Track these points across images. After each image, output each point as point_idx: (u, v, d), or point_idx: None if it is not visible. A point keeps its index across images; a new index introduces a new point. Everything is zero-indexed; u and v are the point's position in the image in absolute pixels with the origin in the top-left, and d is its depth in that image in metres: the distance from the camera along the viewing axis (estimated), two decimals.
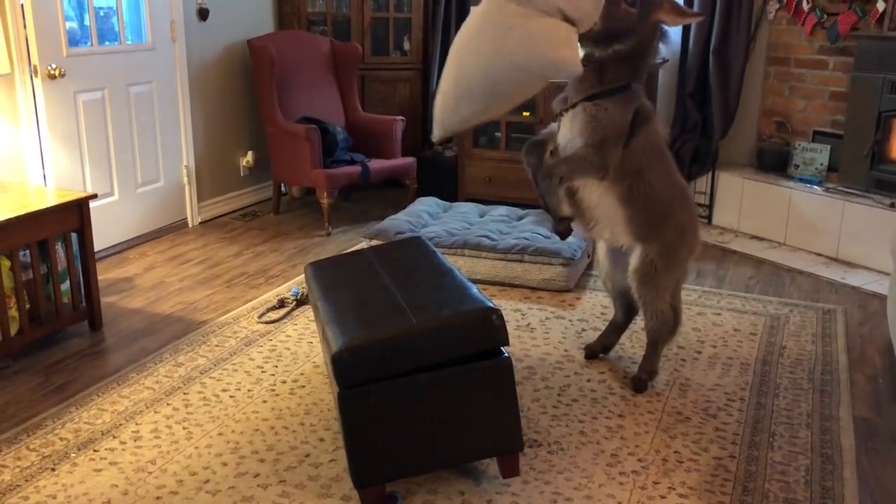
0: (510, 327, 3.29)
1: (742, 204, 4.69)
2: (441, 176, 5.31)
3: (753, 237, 4.59)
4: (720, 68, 4.77)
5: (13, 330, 2.98)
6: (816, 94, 4.64)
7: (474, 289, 2.35)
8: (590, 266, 4.08)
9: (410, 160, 5.08)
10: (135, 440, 2.50)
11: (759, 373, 2.96)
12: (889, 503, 2.24)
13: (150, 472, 2.32)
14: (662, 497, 2.23)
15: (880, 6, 4.15)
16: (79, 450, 2.44)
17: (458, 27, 5.38)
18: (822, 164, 4.49)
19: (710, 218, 4.89)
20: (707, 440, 2.51)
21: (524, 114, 5.02)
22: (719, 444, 2.48)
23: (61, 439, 2.50)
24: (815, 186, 4.40)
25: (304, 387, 2.84)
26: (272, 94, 4.83)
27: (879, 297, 3.67)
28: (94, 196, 3.31)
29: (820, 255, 4.28)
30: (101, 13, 4.23)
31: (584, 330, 3.33)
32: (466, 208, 4.51)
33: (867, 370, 3.01)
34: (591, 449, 2.45)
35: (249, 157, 5.22)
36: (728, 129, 4.90)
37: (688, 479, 2.30)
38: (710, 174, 4.87)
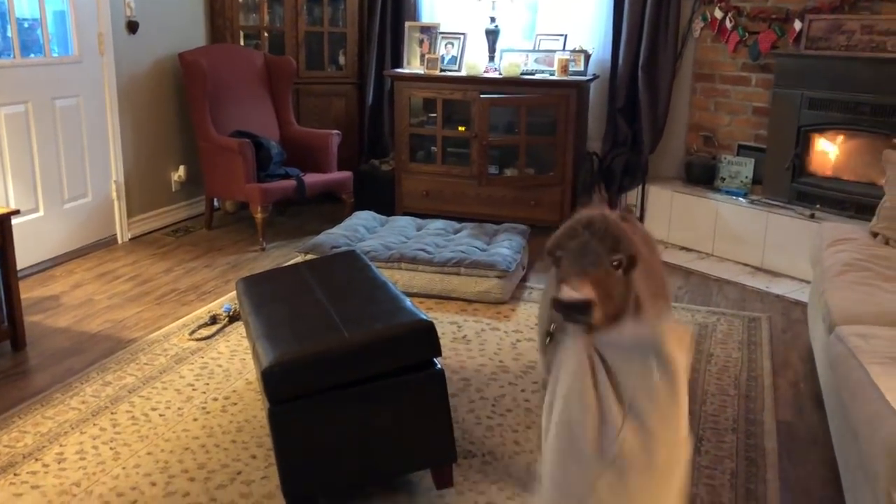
0: (446, 339, 3.31)
1: (671, 216, 4.82)
2: (378, 190, 5.32)
3: (683, 248, 4.72)
4: (648, 84, 4.90)
5: None
6: (740, 109, 4.81)
7: (408, 301, 2.36)
8: (524, 278, 4.13)
9: (347, 174, 5.07)
10: (59, 462, 2.42)
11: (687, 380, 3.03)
12: (808, 502, 2.32)
13: (75, 495, 2.25)
14: None
15: (797, 26, 4.33)
16: None
17: (393, 42, 5.47)
18: (746, 177, 4.64)
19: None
20: None
21: (460, 128, 5.07)
22: None
23: None
24: (741, 199, 4.54)
25: (236, 404, 2.79)
26: (204, 108, 4.77)
27: (801, 304, 3.80)
28: (17, 212, 3.22)
29: (746, 265, 4.42)
30: (25, 25, 4.12)
31: (518, 341, 3.37)
32: (403, 222, 4.52)
33: (789, 375, 3.11)
34: (524, 458, 2.48)
35: (181, 171, 5.14)
36: (657, 143, 5.03)
37: None
38: (640, 187, 4.99)
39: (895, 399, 1.89)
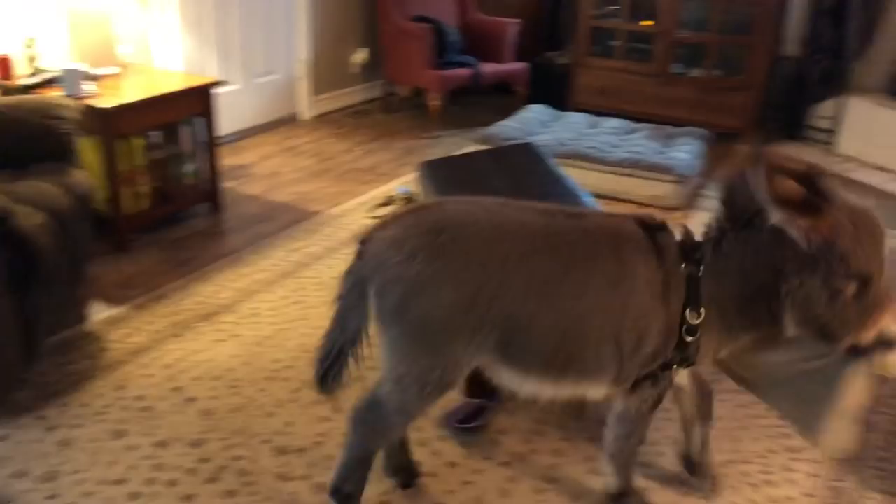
0: None
1: (871, 132, 4.44)
2: (552, 84, 5.22)
3: (879, 168, 4.36)
4: None
5: (143, 206, 3.17)
6: None
7: (586, 197, 2.35)
8: (700, 185, 3.99)
9: (522, 65, 5.01)
10: (253, 316, 2.66)
11: None
12: None
13: (268, 347, 2.48)
14: None
15: None
16: (202, 320, 2.62)
17: None
18: None
19: (832, 144, 4.67)
20: None
21: (644, 22, 4.83)
22: None
23: (186, 310, 2.68)
24: None
25: None
26: None
27: None
28: (221, 83, 3.42)
29: None
30: None
31: None
32: (577, 118, 4.44)
33: None
34: None
35: (362, 54, 5.24)
36: (865, 49, 4.58)
37: None
38: (838, 97, 4.61)
39: None
